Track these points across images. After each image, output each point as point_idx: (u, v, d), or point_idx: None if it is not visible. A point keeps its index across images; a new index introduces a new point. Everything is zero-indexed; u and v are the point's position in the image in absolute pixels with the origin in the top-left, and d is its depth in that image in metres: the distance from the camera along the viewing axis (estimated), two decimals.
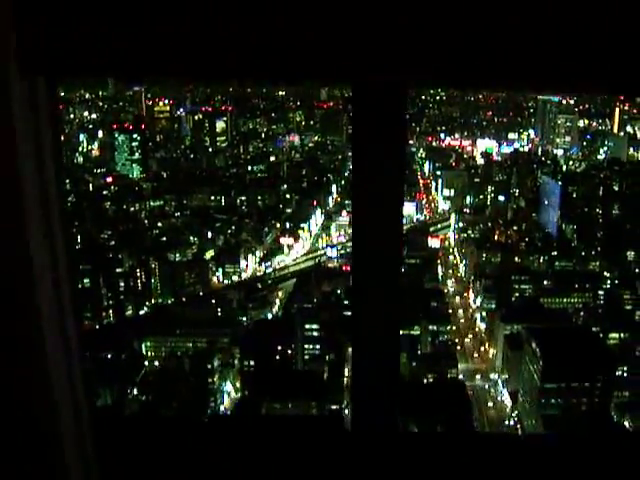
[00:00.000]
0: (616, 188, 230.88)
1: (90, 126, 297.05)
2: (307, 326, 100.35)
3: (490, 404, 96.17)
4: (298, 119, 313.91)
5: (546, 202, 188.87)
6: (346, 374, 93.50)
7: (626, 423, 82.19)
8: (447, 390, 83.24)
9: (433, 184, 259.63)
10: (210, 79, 3.49)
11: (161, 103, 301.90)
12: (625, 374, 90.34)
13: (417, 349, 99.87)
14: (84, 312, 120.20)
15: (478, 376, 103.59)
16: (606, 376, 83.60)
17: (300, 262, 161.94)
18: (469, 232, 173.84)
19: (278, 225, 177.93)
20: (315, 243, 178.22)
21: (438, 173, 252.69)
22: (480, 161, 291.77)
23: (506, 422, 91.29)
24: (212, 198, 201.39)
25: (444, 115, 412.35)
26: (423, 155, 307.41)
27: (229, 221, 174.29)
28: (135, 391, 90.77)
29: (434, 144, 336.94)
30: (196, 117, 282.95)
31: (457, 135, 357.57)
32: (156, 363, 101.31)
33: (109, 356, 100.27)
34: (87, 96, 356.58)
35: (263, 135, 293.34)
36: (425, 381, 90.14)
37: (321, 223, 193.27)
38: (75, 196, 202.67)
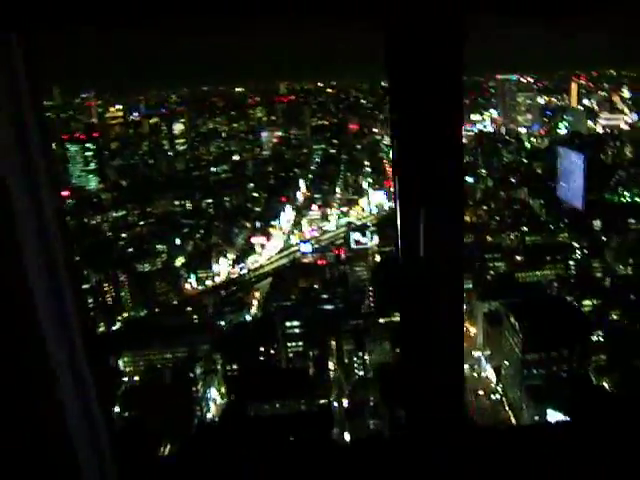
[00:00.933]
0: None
1: None
2: (288, 324, 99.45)
3: (475, 381, 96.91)
4: (259, 115, 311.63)
5: (568, 175, 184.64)
6: (331, 368, 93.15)
7: (605, 384, 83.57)
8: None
9: None
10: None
11: (113, 108, 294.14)
12: (601, 339, 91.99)
13: (399, 335, 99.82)
14: None
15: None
16: (583, 342, 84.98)
17: (274, 260, 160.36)
18: None
19: (248, 225, 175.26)
20: (288, 240, 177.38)
21: None
22: None
23: (492, 396, 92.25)
24: (177, 203, 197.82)
25: None
26: (388, 142, 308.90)
27: (197, 225, 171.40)
28: (117, 408, 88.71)
29: None
30: (152, 121, 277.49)
31: None
32: (136, 378, 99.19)
33: None
34: None
35: (224, 134, 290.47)
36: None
37: (292, 219, 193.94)
38: None
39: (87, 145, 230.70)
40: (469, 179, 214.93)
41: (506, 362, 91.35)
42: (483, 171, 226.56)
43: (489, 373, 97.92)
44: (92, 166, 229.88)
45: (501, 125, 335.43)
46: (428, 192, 3.52)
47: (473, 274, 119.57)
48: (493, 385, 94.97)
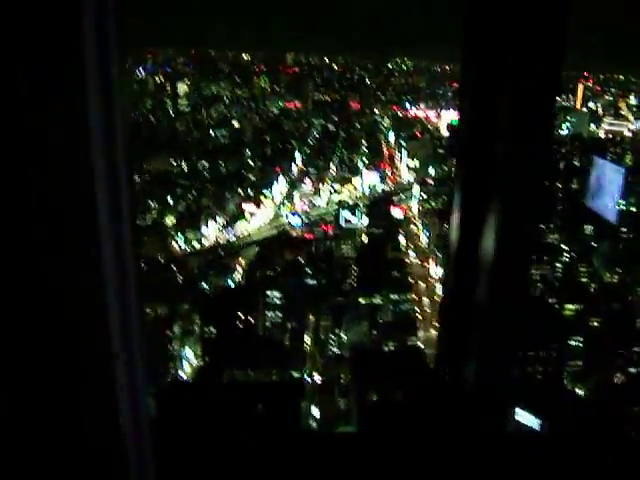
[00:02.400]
0: (577, 163, 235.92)
1: None
2: (269, 294, 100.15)
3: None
4: (263, 84, 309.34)
5: (602, 186, 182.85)
6: (307, 342, 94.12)
7: (578, 391, 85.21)
8: (407, 357, 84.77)
9: (397, 154, 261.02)
10: None
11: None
12: (580, 344, 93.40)
13: (378, 318, 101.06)
14: None
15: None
16: (560, 345, 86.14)
17: (263, 230, 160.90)
18: (432, 203, 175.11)
19: (241, 191, 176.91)
20: (278, 211, 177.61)
21: (402, 143, 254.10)
22: (445, 132, 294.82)
23: None
24: (173, 162, 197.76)
25: (410, 85, 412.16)
26: (388, 124, 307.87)
27: (190, 187, 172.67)
28: None
29: (399, 114, 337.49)
30: (157, 79, 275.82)
31: (422, 105, 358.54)
32: None
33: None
34: None
35: (227, 100, 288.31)
36: (386, 349, 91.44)
37: (284, 191, 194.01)
38: None
39: None
40: None
41: None
42: None
43: None
44: None
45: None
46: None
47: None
48: None
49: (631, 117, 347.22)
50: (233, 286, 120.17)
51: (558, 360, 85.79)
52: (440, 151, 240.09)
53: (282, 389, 75.97)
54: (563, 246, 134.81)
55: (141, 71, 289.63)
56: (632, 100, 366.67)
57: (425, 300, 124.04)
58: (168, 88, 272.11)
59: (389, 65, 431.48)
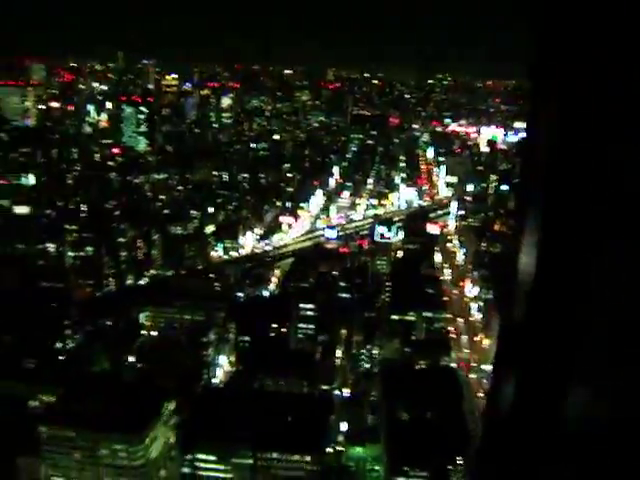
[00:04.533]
0: None
1: (99, 97, 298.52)
2: (302, 306, 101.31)
3: (482, 393, 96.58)
4: (304, 98, 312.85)
5: None
6: (338, 355, 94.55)
7: None
8: (439, 377, 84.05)
9: (435, 170, 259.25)
10: None
11: (169, 77, 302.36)
12: None
13: (411, 335, 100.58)
14: (86, 279, 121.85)
15: (472, 365, 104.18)
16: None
17: (299, 241, 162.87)
18: (469, 220, 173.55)
19: (279, 203, 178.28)
20: (314, 223, 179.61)
21: (441, 159, 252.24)
22: (484, 149, 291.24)
23: None
24: (215, 173, 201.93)
25: (451, 100, 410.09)
26: (427, 140, 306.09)
27: (230, 197, 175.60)
28: (131, 359, 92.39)
29: (438, 129, 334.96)
30: (202, 92, 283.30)
31: (463, 121, 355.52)
32: (153, 333, 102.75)
33: (108, 323, 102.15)
34: (97, 67, 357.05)
35: (268, 113, 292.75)
36: (417, 367, 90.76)
37: (321, 204, 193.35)
38: (82, 165, 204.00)
39: (141, 108, 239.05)
40: (504, 187, 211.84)
41: None
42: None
43: None
44: (143, 128, 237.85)
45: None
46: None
47: (495, 285, 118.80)
48: None
49: None
50: (268, 296, 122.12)
51: None
52: (479, 168, 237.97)
53: (311, 402, 77.23)
54: None
55: (188, 84, 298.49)
56: None
57: (459, 319, 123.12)
58: (213, 101, 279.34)
59: (430, 80, 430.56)
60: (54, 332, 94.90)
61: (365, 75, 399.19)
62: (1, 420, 70.12)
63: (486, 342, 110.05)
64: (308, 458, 67.28)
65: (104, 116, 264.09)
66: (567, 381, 3.57)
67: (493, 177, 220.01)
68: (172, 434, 71.99)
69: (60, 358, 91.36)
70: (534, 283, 3.55)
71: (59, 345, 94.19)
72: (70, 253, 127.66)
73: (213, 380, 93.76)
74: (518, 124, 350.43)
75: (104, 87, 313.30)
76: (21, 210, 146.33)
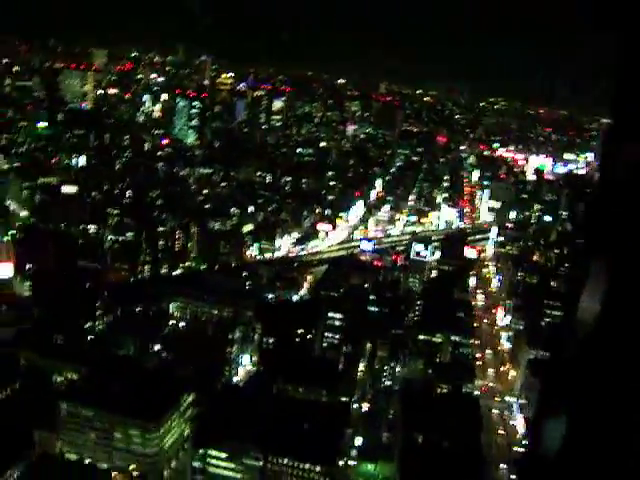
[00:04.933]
0: None
1: (155, 88, 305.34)
2: (331, 314, 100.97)
3: (502, 426, 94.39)
4: (354, 109, 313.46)
5: None
6: (361, 369, 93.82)
7: None
8: (460, 403, 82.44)
9: (479, 193, 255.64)
10: None
11: (224, 75, 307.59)
12: None
13: (436, 357, 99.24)
14: (122, 264, 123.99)
15: (494, 395, 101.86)
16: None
17: (334, 250, 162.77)
18: (508, 248, 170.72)
19: (318, 210, 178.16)
20: (352, 234, 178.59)
21: (485, 183, 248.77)
22: (531, 177, 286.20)
23: (515, 448, 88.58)
24: (259, 174, 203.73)
25: (501, 125, 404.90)
26: (473, 162, 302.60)
27: (271, 199, 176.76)
28: (157, 347, 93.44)
29: (486, 153, 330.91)
30: (256, 94, 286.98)
31: (511, 147, 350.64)
32: (181, 324, 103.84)
33: (138, 309, 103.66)
34: (156, 59, 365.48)
35: (317, 120, 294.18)
36: (439, 391, 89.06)
37: (361, 215, 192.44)
38: (131, 152, 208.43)
39: (195, 103, 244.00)
40: (547, 218, 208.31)
41: None
42: (564, 213, 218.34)
43: (518, 422, 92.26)
44: (194, 122, 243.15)
45: (595, 170, 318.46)
46: None
47: (527, 316, 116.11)
48: (519, 436, 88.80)
49: None
50: (297, 301, 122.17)
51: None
52: (524, 196, 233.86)
53: (328, 412, 76.49)
54: None
55: (242, 84, 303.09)
56: None
57: (487, 347, 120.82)
58: (265, 103, 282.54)
59: (482, 103, 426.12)
60: (85, 311, 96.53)
61: (417, 92, 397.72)
62: (24, 391, 71.58)
63: (512, 373, 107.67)
64: (318, 469, 66.67)
65: (158, 107, 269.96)
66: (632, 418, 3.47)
67: (537, 206, 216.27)
68: (187, 426, 72.32)
69: (88, 338, 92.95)
70: (601, 323, 3.41)
71: (89, 325, 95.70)
72: (110, 236, 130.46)
73: (234, 378, 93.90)
74: (567, 155, 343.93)
75: (161, 79, 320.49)
76: (68, 189, 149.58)
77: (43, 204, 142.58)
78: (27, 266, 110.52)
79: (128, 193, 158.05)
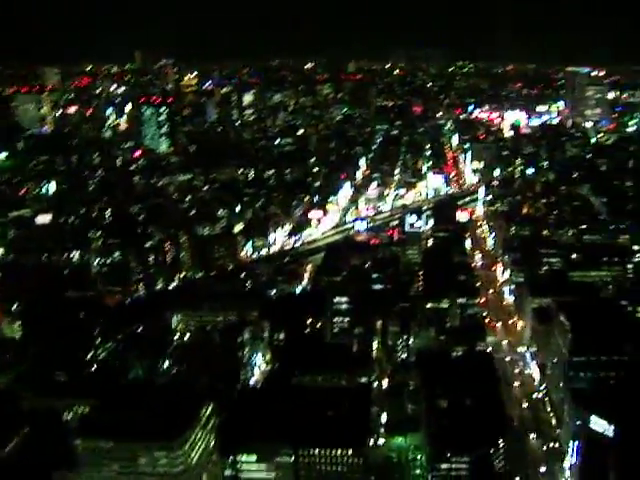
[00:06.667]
0: None
1: (117, 100, 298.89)
2: (336, 299, 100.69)
3: (519, 376, 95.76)
4: (326, 91, 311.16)
5: None
6: (375, 347, 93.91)
7: None
8: (475, 363, 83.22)
9: (461, 157, 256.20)
10: None
11: (188, 77, 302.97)
12: None
13: (445, 322, 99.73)
14: (114, 286, 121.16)
15: (506, 349, 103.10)
16: (635, 350, 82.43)
17: (329, 235, 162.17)
18: (497, 205, 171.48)
19: (307, 198, 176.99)
20: (344, 216, 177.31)
21: (466, 146, 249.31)
22: (508, 134, 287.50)
23: (534, 395, 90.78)
24: (240, 171, 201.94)
25: (472, 87, 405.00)
26: (451, 128, 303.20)
27: (257, 194, 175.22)
28: (166, 364, 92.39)
29: (462, 116, 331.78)
30: (223, 90, 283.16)
31: (485, 107, 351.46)
32: (186, 336, 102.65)
33: (140, 330, 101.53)
34: (114, 70, 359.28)
35: (291, 108, 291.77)
36: (454, 354, 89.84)
37: (349, 196, 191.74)
38: (104, 170, 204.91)
39: (161, 109, 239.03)
40: (529, 171, 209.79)
41: (552, 361, 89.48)
42: (545, 164, 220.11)
43: (533, 371, 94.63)
44: (164, 129, 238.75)
45: (567, 118, 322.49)
46: None
47: (526, 267, 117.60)
48: (536, 384, 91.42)
49: None
50: (300, 292, 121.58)
51: (632, 364, 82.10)
52: (504, 152, 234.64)
53: (350, 395, 76.33)
54: (635, 247, 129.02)
55: (208, 83, 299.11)
56: None
57: (492, 304, 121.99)
58: (234, 99, 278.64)
59: (451, 68, 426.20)
60: (84, 342, 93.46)
61: (386, 66, 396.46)
62: (35, 434, 70.05)
63: (519, 324, 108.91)
64: (350, 452, 66.54)
65: (124, 119, 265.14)
66: None
67: (518, 161, 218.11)
68: (212, 437, 71.56)
69: (92, 369, 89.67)
70: None
71: (90, 355, 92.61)
72: (96, 260, 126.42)
73: (250, 380, 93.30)
74: (540, 107, 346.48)
75: (122, 89, 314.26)
76: (43, 219, 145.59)
77: (19, 239, 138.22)
78: (14, 306, 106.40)
79: (108, 213, 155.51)
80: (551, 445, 78.10)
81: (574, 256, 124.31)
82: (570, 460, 71.92)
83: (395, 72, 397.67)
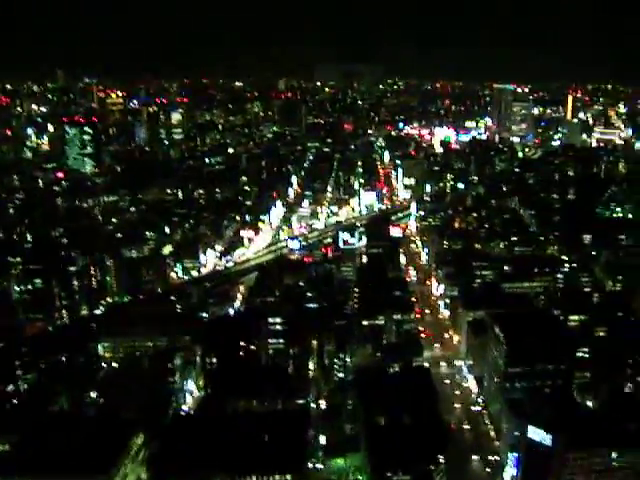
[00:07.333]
0: (571, 173, 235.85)
1: (39, 119, 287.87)
2: (270, 320, 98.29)
3: (456, 390, 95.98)
4: (256, 110, 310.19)
5: None
6: (311, 367, 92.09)
7: (589, 403, 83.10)
8: (413, 378, 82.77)
9: (393, 173, 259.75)
10: None
11: (114, 95, 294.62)
12: (586, 355, 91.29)
13: (382, 339, 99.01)
14: (36, 314, 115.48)
15: (443, 363, 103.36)
16: (568, 358, 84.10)
17: (261, 255, 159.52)
18: (430, 220, 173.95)
19: (238, 218, 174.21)
20: (276, 235, 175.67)
21: (398, 162, 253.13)
22: (439, 149, 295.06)
23: (472, 408, 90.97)
24: (168, 191, 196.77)
25: (402, 104, 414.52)
26: (382, 144, 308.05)
27: (187, 215, 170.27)
28: (93, 394, 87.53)
29: (393, 133, 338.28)
30: (150, 109, 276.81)
31: (415, 124, 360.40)
32: (114, 364, 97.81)
33: (64, 359, 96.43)
34: (35, 88, 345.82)
35: (221, 127, 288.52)
36: (391, 370, 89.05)
37: (282, 215, 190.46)
38: (24, 193, 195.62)
39: (85, 129, 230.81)
40: (460, 185, 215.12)
41: (488, 373, 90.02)
42: (475, 178, 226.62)
43: (470, 383, 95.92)
44: (88, 150, 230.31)
45: (495, 133, 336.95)
46: None
47: (459, 281, 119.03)
48: (474, 396, 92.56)
49: (622, 125, 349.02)
50: (233, 314, 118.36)
51: (566, 372, 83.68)
52: (435, 168, 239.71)
53: (286, 418, 74.04)
54: (564, 257, 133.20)
55: (134, 102, 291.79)
56: (622, 109, 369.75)
57: (428, 318, 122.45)
58: (162, 117, 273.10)
59: (381, 86, 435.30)
60: (4, 374, 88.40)
61: (317, 84, 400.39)
62: None
63: (455, 338, 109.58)
64: (289, 477, 64.05)
65: (45, 139, 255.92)
66: None
67: (449, 176, 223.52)
68: (143, 469, 67.67)
69: (14, 401, 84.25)
70: None
71: (10, 387, 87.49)
72: (16, 287, 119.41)
73: (183, 407, 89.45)
74: (468, 123, 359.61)
75: (44, 109, 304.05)
76: None
77: None
78: None
79: (28, 237, 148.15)
80: (490, 458, 77.86)
81: (506, 268, 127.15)
82: (510, 472, 71.92)
83: (325, 90, 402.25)
